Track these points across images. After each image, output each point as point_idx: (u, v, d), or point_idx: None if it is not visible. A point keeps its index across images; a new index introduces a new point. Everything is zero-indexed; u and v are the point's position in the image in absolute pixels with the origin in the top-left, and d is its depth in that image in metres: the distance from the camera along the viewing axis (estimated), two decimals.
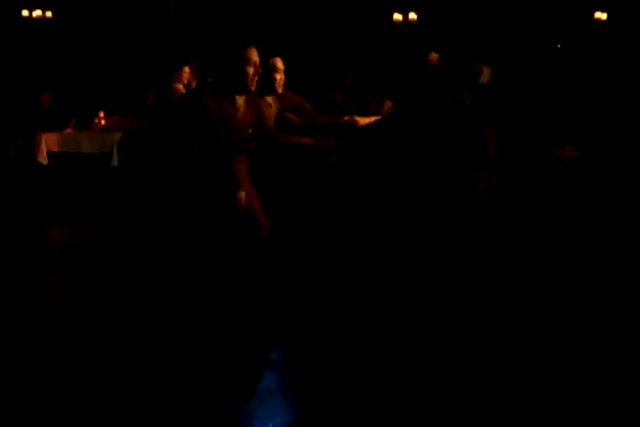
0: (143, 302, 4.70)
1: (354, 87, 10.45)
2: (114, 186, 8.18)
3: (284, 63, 4.77)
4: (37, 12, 12.71)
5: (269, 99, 4.56)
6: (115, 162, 8.34)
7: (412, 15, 12.44)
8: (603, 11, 12.22)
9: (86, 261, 5.95)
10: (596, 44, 12.04)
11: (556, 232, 6.05)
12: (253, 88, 3.63)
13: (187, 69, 8.44)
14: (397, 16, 12.48)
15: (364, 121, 5.69)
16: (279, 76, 4.73)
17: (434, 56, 5.98)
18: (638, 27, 11.89)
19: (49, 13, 12.81)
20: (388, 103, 9.24)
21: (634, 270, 5.16)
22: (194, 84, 8.62)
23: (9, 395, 3.36)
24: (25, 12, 12.67)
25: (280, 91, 4.75)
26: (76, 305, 4.80)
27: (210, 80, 5.55)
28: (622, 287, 4.89)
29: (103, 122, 8.85)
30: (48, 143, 8.46)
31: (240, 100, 3.63)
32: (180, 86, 8.27)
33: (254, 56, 3.58)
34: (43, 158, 8.38)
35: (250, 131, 3.65)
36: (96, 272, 5.54)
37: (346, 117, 6.40)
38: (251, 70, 3.55)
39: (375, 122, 4.98)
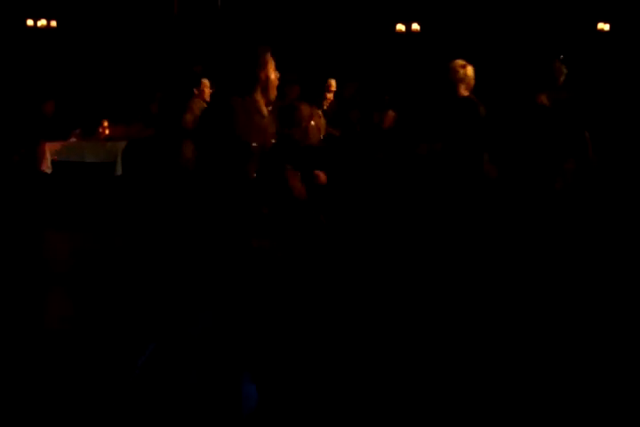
0: (145, 310, 4.69)
1: (357, 98, 10.47)
2: (118, 195, 8.19)
3: (295, 74, 5.08)
4: (42, 22, 12.79)
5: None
6: (119, 171, 8.35)
7: (415, 26, 12.49)
8: (605, 22, 12.27)
9: (89, 270, 5.95)
10: (598, 54, 12.08)
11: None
12: (274, 97, 3.37)
13: (207, 82, 6.91)
14: (400, 27, 12.54)
15: None
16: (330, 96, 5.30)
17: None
18: None
19: (53, 23, 12.89)
20: (391, 113, 9.23)
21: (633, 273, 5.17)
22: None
23: (10, 405, 3.36)
24: (30, 22, 12.75)
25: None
26: (78, 313, 4.80)
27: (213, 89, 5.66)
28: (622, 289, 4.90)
29: (107, 131, 8.88)
30: (52, 152, 8.48)
31: (264, 108, 3.36)
32: (203, 103, 6.77)
33: (272, 61, 3.31)
34: (47, 167, 8.40)
35: (273, 140, 3.41)
36: (99, 282, 5.54)
37: None
38: (273, 75, 3.29)
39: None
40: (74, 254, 6.68)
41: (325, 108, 5.58)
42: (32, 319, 4.65)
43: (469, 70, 5.03)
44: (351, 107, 9.95)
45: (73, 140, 8.78)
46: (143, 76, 11.72)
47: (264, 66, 3.28)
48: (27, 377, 3.67)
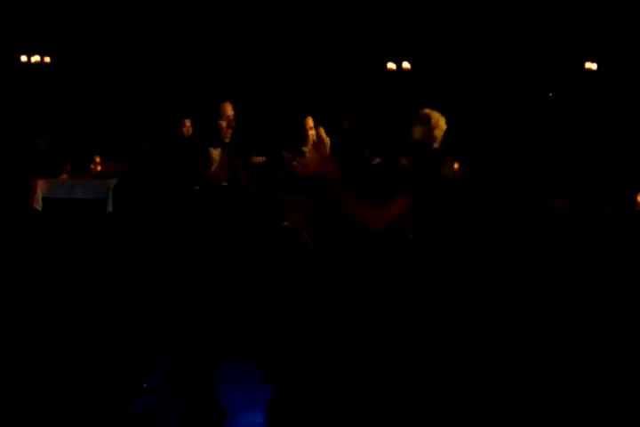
0: (137, 349, 4.66)
1: (350, 135, 10.56)
2: (109, 232, 8.16)
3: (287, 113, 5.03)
4: (36, 58, 12.86)
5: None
6: (110, 208, 8.33)
7: (406, 64, 12.64)
8: (593, 61, 12.45)
9: (79, 307, 5.91)
10: (586, 93, 12.24)
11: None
12: (228, 140, 3.67)
13: (187, 123, 7.37)
14: (391, 65, 12.68)
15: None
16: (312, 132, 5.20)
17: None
18: (628, 77, 12.12)
19: (47, 59, 12.97)
20: None
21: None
22: None
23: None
24: (24, 58, 12.83)
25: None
26: (72, 352, 4.77)
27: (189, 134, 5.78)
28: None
29: (99, 168, 8.89)
30: (43, 189, 8.47)
31: (215, 152, 3.67)
32: None
33: (228, 110, 3.63)
34: (37, 204, 8.39)
35: (224, 183, 3.69)
36: (90, 319, 5.50)
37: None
38: (224, 124, 3.60)
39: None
40: (64, 291, 6.64)
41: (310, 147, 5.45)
42: (21, 357, 4.61)
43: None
44: (343, 144, 10.03)
45: (64, 177, 8.78)
46: (136, 113, 11.78)
47: (218, 116, 3.58)
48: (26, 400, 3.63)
